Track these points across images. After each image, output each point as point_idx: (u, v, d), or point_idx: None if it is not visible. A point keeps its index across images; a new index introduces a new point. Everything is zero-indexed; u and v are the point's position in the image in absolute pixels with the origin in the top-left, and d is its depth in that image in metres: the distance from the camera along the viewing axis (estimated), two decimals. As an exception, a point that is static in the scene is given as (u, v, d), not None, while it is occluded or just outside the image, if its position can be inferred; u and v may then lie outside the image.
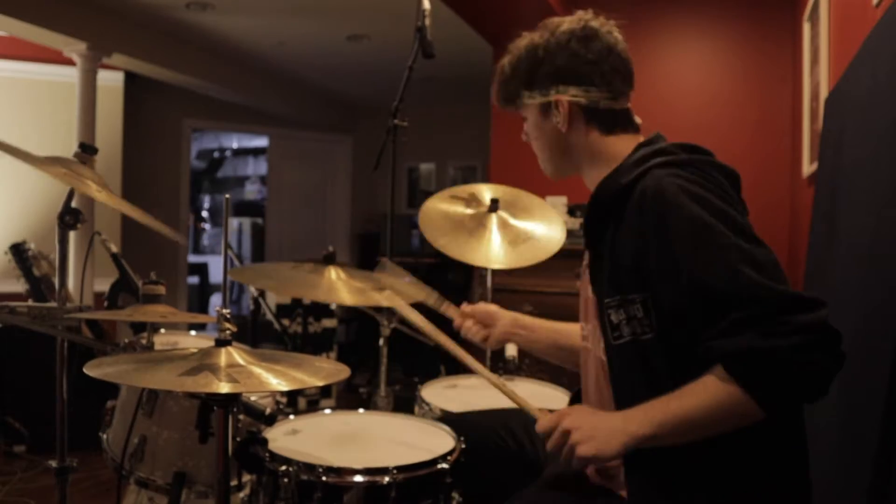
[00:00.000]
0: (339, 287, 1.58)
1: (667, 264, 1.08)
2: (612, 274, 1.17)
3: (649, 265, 1.10)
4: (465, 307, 1.66)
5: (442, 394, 1.94)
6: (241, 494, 1.53)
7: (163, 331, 2.24)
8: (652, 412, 1.06)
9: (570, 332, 1.55)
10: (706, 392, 1.02)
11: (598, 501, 1.23)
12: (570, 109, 1.25)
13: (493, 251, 1.98)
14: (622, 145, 1.26)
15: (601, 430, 1.08)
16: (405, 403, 2.00)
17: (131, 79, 5.73)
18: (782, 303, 0.98)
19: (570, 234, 2.11)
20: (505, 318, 1.63)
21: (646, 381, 1.12)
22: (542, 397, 1.93)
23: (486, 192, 2.10)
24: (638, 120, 1.31)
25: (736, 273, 1.01)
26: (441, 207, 2.07)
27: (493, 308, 1.65)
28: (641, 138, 1.29)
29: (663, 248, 1.08)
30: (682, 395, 1.04)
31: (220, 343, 1.14)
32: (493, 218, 2.04)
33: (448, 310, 1.66)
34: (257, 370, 1.09)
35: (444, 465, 1.36)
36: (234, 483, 1.50)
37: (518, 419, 1.51)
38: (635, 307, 1.13)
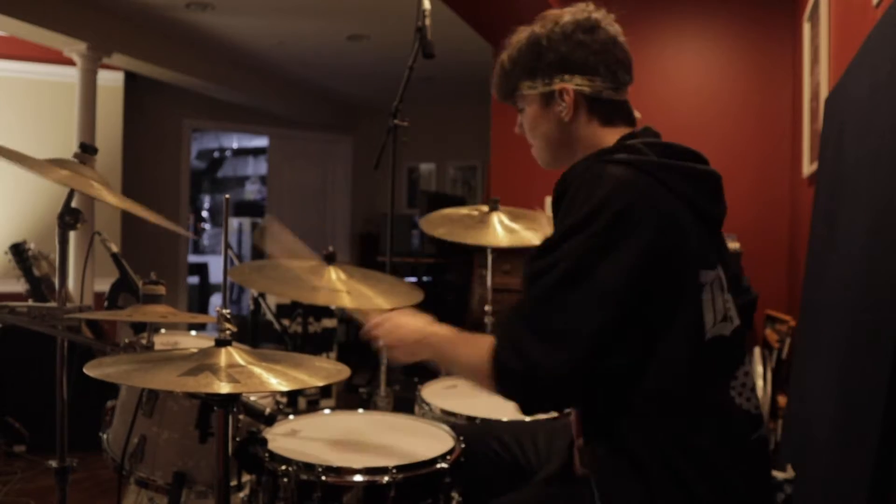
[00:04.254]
0: (340, 289, 1.58)
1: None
2: None
3: None
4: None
5: (442, 394, 1.94)
6: (241, 494, 1.52)
7: (163, 331, 2.24)
8: (444, 342, 1.30)
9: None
10: (478, 354, 1.18)
11: (580, 490, 1.24)
12: (575, 98, 1.24)
13: (493, 234, 2.24)
14: (616, 137, 1.24)
15: (404, 326, 1.36)
16: (405, 403, 2.00)
17: (131, 79, 5.73)
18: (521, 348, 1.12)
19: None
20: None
21: None
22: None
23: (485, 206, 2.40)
24: (637, 114, 1.30)
25: (531, 314, 1.15)
26: (442, 211, 2.39)
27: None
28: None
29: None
30: (468, 342, 1.25)
31: (220, 343, 1.14)
32: (493, 216, 2.30)
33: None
34: (257, 370, 1.09)
35: (444, 465, 1.36)
36: (233, 483, 1.49)
37: (511, 431, 1.52)
38: None
